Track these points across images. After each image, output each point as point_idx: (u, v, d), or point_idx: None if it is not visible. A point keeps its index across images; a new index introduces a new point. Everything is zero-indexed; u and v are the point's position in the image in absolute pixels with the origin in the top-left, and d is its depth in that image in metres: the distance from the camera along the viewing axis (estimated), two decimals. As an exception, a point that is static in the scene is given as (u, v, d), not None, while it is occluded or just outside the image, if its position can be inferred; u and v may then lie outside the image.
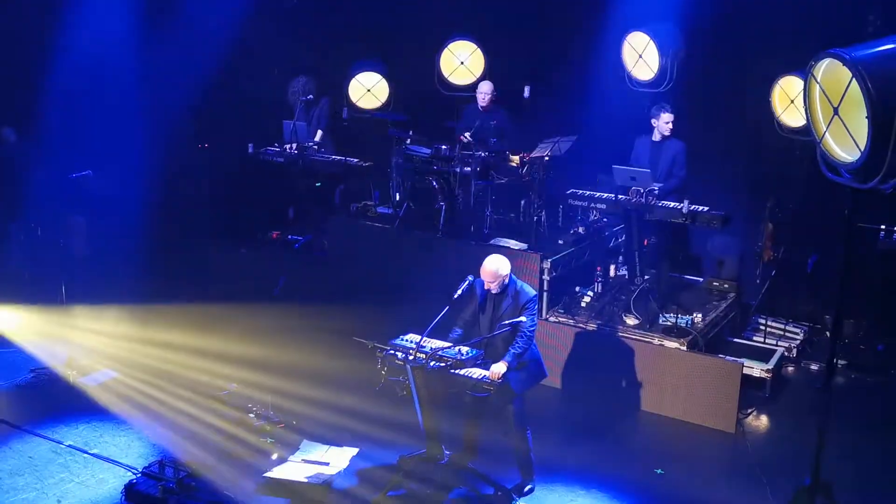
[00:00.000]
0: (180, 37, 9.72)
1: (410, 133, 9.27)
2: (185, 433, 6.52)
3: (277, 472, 5.94)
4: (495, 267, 5.64)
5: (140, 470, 5.86)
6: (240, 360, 7.55)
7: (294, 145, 9.47)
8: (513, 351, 5.55)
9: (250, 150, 9.96)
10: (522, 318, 5.55)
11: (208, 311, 8.76)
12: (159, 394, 7.11)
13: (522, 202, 8.76)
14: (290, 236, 9.65)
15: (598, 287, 8.08)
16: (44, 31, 9.35)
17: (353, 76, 10.26)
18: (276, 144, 9.84)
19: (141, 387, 7.25)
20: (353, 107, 10.35)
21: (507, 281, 5.67)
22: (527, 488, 5.88)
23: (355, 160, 9.49)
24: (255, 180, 10.03)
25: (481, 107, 9.02)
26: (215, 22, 9.74)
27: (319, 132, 9.84)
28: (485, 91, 9.03)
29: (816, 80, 4.26)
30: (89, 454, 6.19)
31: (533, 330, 5.67)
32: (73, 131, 9.39)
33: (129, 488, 5.65)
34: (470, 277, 5.74)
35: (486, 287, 5.68)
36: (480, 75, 9.78)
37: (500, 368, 5.46)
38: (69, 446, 6.28)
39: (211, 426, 6.60)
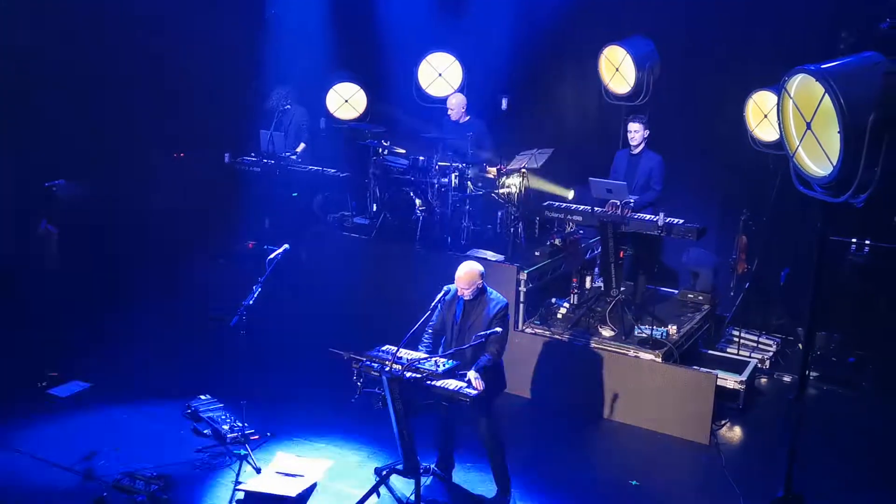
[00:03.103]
0: (157, 43, 9.67)
1: (388, 144, 9.27)
2: (156, 445, 6.44)
3: (251, 485, 5.88)
4: (470, 273, 5.64)
5: (110, 483, 5.77)
6: (214, 371, 7.48)
7: (271, 155, 9.43)
8: (482, 363, 5.53)
9: (227, 160, 9.90)
10: (498, 329, 5.54)
11: (182, 321, 8.68)
12: (131, 405, 7.02)
13: (499, 214, 8.78)
14: (266, 246, 9.60)
15: (574, 299, 8.11)
16: (16, 37, 9.25)
17: (331, 87, 10.25)
18: (253, 154, 9.80)
19: (112, 397, 7.15)
20: (330, 117, 10.34)
21: (479, 287, 5.68)
22: (502, 500, 5.86)
23: (332, 170, 9.47)
24: (232, 190, 9.97)
25: (453, 120, 9.05)
26: (193, 30, 9.69)
27: (302, 145, 9.81)
28: (453, 105, 9.04)
29: (790, 95, 4.31)
30: (60, 466, 6.09)
31: (504, 345, 5.67)
32: (46, 139, 9.28)
33: (100, 502, 5.56)
34: (447, 287, 5.74)
35: (459, 293, 5.68)
36: (458, 87, 9.81)
37: (479, 381, 5.44)
38: (38, 459, 6.17)
39: (184, 437, 6.53)
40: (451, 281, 5.74)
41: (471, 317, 5.69)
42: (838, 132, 3.90)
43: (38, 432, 6.54)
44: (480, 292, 5.70)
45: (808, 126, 4.17)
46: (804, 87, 4.19)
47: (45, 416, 6.81)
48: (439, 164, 8.63)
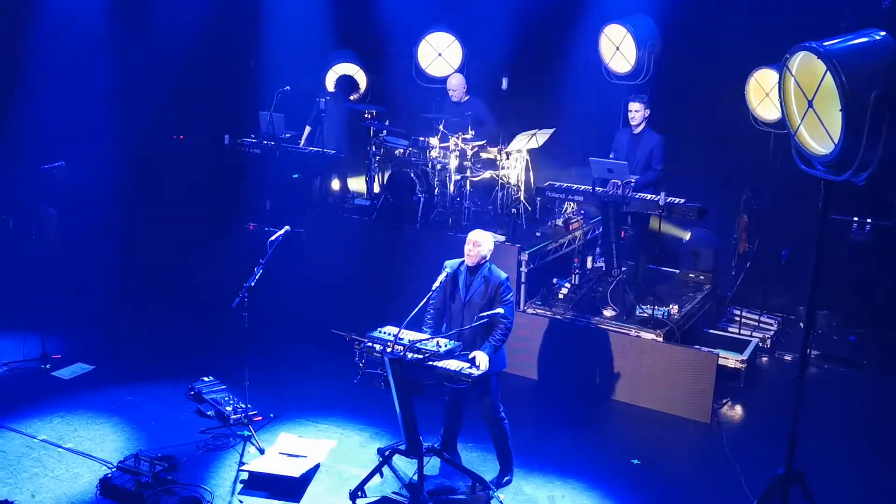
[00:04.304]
0: (155, 26, 9.63)
1: (387, 124, 9.24)
2: (160, 426, 6.48)
3: (255, 465, 5.92)
4: (481, 237, 5.70)
5: (115, 464, 5.81)
6: (216, 353, 7.51)
7: (271, 136, 9.40)
8: (492, 343, 5.56)
9: (226, 142, 9.88)
10: (500, 310, 5.54)
11: (184, 303, 8.71)
12: (135, 387, 7.05)
13: (500, 194, 8.77)
14: (267, 228, 9.60)
15: (576, 279, 8.12)
16: (14, 21, 9.22)
17: (331, 67, 10.20)
18: (253, 136, 9.77)
19: (116, 379, 7.18)
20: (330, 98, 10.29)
21: (485, 257, 5.70)
22: (504, 479, 5.90)
23: (333, 152, 9.45)
24: (232, 172, 9.96)
25: (454, 101, 9.02)
26: (190, 10, 9.65)
27: (307, 128, 9.78)
28: (453, 86, 9.01)
29: (791, 73, 4.29)
30: (63, 448, 6.13)
31: (511, 323, 5.69)
32: (45, 121, 9.26)
33: (104, 483, 5.60)
34: (447, 268, 5.74)
35: (465, 255, 5.70)
36: (458, 67, 9.76)
37: (484, 360, 5.46)
38: (42, 441, 6.21)
39: (187, 419, 6.56)
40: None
41: (471, 292, 5.69)
42: (840, 110, 3.88)
43: (43, 414, 6.57)
44: (482, 266, 5.70)
45: (810, 104, 4.16)
46: (806, 65, 4.17)
47: (49, 398, 6.83)
48: (440, 144, 8.61)
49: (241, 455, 6.13)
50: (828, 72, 3.93)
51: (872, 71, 3.87)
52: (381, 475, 5.71)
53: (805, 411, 4.83)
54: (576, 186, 7.94)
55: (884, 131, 3.86)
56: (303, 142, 9.71)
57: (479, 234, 5.76)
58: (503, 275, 5.74)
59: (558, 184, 8.05)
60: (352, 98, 9.77)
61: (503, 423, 5.83)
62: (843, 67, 3.85)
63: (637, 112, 7.85)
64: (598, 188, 7.63)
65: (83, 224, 9.32)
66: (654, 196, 7.42)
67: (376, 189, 9.16)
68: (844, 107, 3.85)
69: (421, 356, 5.41)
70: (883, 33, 4.03)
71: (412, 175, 8.67)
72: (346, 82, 9.74)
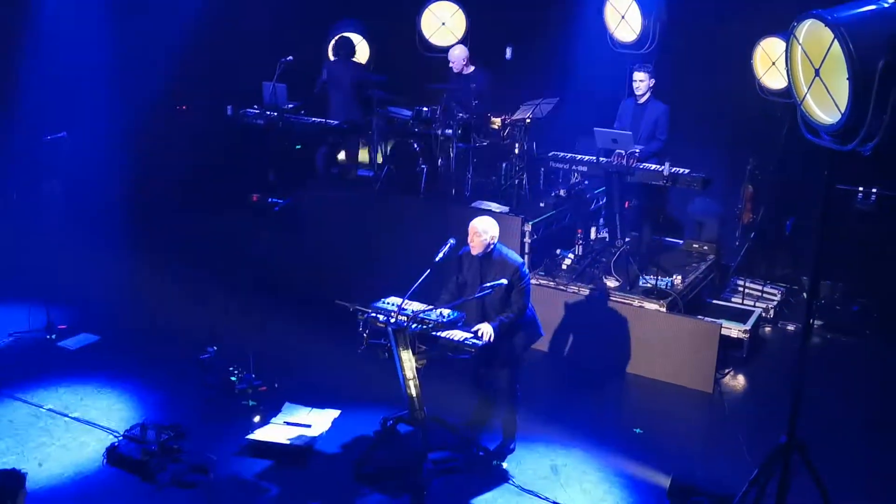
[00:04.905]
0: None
1: (390, 95, 9.20)
2: (166, 396, 6.52)
3: (260, 434, 5.96)
4: (482, 226, 5.63)
5: (122, 433, 5.86)
6: (221, 323, 7.53)
7: (273, 107, 9.35)
8: (503, 320, 5.57)
9: (229, 113, 9.83)
10: (503, 281, 5.54)
11: (188, 275, 8.72)
12: (141, 357, 7.09)
13: (504, 165, 8.74)
14: (270, 199, 9.59)
15: (579, 249, 8.11)
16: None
17: (334, 36, 10.12)
18: (256, 106, 9.72)
19: (122, 349, 7.22)
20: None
21: (492, 244, 5.66)
22: (508, 447, 5.94)
23: (335, 122, 9.40)
24: (235, 143, 9.92)
25: (455, 72, 8.96)
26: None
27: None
28: (454, 58, 8.94)
29: (798, 42, 4.24)
30: (70, 417, 6.18)
31: (524, 307, 5.67)
32: (47, 92, 9.23)
33: (111, 451, 5.65)
34: (452, 240, 5.73)
35: (469, 245, 5.67)
36: (462, 36, 9.69)
37: (488, 330, 5.48)
38: (49, 410, 6.26)
39: (193, 389, 6.60)
40: (456, 233, 5.74)
41: (486, 277, 5.66)
42: (847, 79, 3.85)
43: (49, 384, 6.61)
44: (493, 251, 5.66)
45: (817, 73, 4.12)
46: (813, 33, 4.12)
47: (55, 368, 6.88)
48: (443, 114, 8.57)
49: (247, 424, 6.17)
50: (835, 40, 3.88)
51: (881, 39, 3.83)
52: (385, 444, 5.75)
53: (808, 381, 4.85)
54: (579, 157, 7.91)
55: (891, 100, 3.82)
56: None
57: (481, 221, 5.65)
58: (518, 259, 5.70)
59: (562, 154, 8.02)
60: (353, 60, 9.67)
61: (517, 397, 5.87)
62: (850, 36, 3.81)
63: (642, 82, 7.80)
64: (602, 158, 7.59)
65: (86, 194, 9.32)
66: (658, 166, 7.39)
67: (379, 160, 9.13)
68: (852, 76, 3.81)
69: (424, 326, 5.42)
70: (892, 1, 3.98)
71: (415, 146, 8.64)
72: (344, 42, 9.63)
